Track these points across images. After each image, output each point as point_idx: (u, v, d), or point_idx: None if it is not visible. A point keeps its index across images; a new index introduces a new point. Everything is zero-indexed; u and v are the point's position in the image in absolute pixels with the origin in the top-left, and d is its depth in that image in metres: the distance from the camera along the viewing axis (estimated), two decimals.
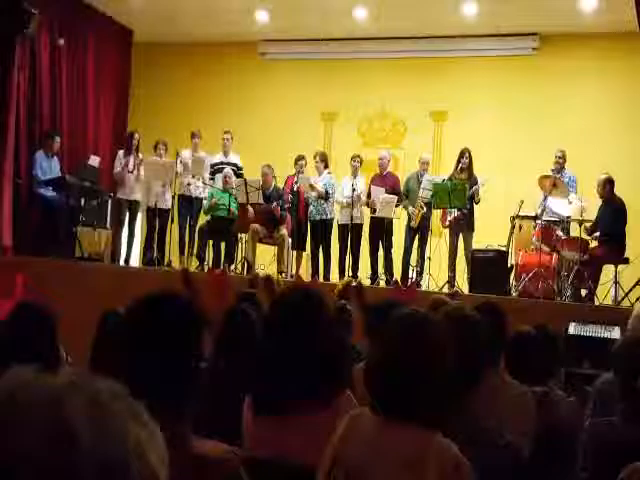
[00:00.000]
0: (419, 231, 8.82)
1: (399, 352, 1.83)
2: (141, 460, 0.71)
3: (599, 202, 8.12)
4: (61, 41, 10.25)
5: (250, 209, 8.79)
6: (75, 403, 0.70)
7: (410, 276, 8.69)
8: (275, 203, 8.77)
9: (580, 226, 7.81)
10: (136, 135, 9.55)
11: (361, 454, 1.81)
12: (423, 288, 8.33)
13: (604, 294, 7.83)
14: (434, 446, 1.76)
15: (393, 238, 8.90)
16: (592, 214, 8.08)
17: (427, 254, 8.62)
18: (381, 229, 8.71)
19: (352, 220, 8.72)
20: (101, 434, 0.69)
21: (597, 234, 7.97)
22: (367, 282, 8.34)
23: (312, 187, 8.88)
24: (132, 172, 9.38)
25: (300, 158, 9.14)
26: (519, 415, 2.60)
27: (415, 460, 1.74)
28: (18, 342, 2.84)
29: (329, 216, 9.00)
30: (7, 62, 9.23)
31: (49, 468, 0.66)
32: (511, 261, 8.20)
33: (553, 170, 8.57)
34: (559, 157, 8.67)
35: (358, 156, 9.11)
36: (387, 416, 1.81)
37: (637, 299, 7.41)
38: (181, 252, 9.39)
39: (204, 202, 9.37)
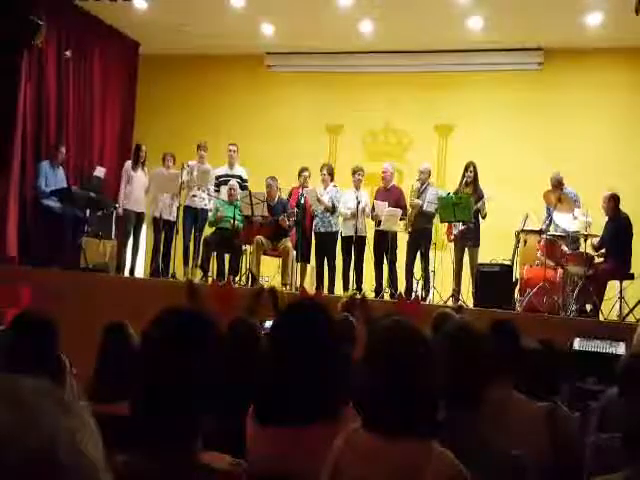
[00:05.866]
0: (420, 245, 8.80)
1: (383, 364, 1.82)
2: (77, 452, 0.71)
3: (604, 217, 8.12)
4: (68, 53, 10.31)
5: (255, 221, 8.80)
6: None
7: (414, 289, 8.67)
8: (282, 215, 8.77)
9: (585, 241, 7.80)
10: (143, 147, 9.60)
11: (359, 467, 1.80)
12: (428, 302, 8.31)
13: (609, 309, 7.80)
14: (431, 456, 1.74)
15: (397, 251, 8.89)
16: (597, 229, 8.07)
17: (432, 268, 8.62)
18: (385, 242, 8.70)
19: (356, 232, 8.71)
20: (26, 430, 0.69)
21: (603, 250, 7.96)
22: (371, 295, 8.33)
23: (319, 201, 8.87)
24: (135, 184, 9.40)
25: (303, 170, 9.15)
26: (528, 431, 2.58)
27: (413, 470, 1.73)
28: (19, 350, 2.84)
29: (334, 229, 9.00)
30: (14, 73, 9.28)
31: None
32: (516, 275, 8.18)
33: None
34: (557, 179, 8.57)
35: (361, 169, 9.10)
36: (380, 430, 1.79)
37: None
38: (185, 263, 9.39)
39: (209, 214, 9.39)
